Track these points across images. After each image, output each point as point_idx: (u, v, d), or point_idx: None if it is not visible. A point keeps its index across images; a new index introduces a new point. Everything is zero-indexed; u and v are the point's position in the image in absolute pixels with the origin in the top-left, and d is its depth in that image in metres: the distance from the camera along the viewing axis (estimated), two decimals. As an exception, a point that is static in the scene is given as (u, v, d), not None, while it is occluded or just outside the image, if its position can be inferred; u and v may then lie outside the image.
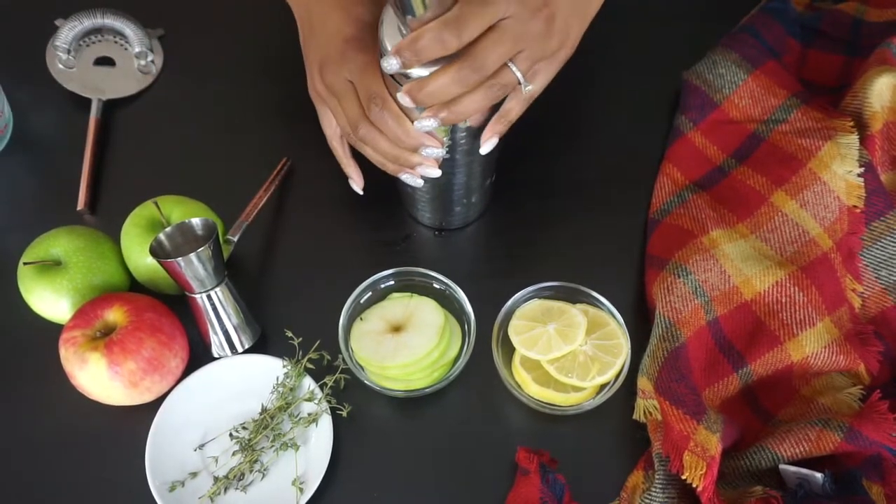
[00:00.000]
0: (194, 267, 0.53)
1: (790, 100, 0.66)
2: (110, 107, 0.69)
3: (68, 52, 0.68)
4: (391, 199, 0.65)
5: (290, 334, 0.57)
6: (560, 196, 0.66)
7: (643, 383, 0.54)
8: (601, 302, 0.57)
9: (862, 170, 0.60)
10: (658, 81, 0.71)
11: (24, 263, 0.55)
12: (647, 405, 0.54)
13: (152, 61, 0.70)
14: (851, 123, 0.62)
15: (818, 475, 0.49)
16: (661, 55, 0.72)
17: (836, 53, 0.71)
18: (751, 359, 0.56)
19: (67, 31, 0.69)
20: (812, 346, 0.55)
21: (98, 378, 0.52)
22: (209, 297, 0.55)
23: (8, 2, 0.74)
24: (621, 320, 0.57)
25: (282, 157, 0.66)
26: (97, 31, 0.70)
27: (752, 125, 0.66)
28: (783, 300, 0.57)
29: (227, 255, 0.58)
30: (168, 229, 0.54)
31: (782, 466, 0.51)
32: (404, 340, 0.55)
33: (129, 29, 0.70)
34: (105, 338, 0.52)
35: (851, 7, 0.72)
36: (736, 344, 0.56)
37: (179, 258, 0.52)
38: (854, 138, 0.61)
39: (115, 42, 0.70)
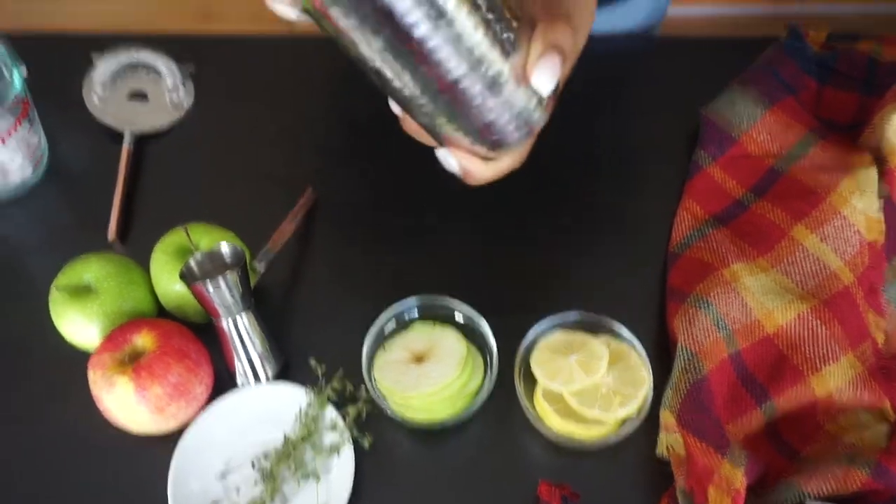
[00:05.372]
0: (222, 292, 0.54)
1: (808, 136, 0.66)
2: (142, 139, 0.71)
3: (104, 86, 0.71)
4: (413, 230, 0.66)
5: (313, 363, 0.58)
6: (581, 229, 0.67)
7: (666, 416, 0.54)
8: (623, 334, 0.58)
9: (881, 204, 0.61)
10: (677, 117, 0.72)
11: (57, 288, 0.57)
12: (670, 440, 0.54)
13: (184, 96, 0.72)
14: (870, 159, 0.62)
15: (845, 511, 0.49)
16: (679, 92, 0.74)
17: (851, 92, 0.72)
18: (774, 393, 0.55)
19: (104, 67, 0.71)
20: (836, 380, 0.55)
21: (125, 402, 0.53)
22: (235, 324, 0.56)
23: (48, 37, 0.76)
24: (643, 352, 0.57)
25: (307, 188, 0.67)
26: (132, 66, 0.72)
27: (771, 160, 0.67)
28: (805, 334, 0.57)
29: (253, 282, 0.59)
30: (197, 255, 0.56)
31: (809, 503, 0.50)
32: (427, 370, 0.56)
33: (162, 65, 0.72)
34: (133, 362, 0.53)
35: (867, 47, 0.73)
36: (758, 377, 0.56)
37: (208, 281, 0.53)
38: (873, 173, 0.62)
39: (149, 77, 0.73)
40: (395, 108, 0.43)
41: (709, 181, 0.68)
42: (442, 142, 0.43)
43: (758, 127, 0.68)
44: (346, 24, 0.34)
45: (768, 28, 0.76)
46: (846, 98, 0.72)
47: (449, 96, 0.38)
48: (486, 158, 0.44)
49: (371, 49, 0.35)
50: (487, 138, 0.41)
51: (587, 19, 0.45)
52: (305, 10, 0.35)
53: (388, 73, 0.37)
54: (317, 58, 0.73)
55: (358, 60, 0.37)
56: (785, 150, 0.67)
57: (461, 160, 0.44)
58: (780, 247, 0.62)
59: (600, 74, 0.75)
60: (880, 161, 0.63)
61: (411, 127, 0.44)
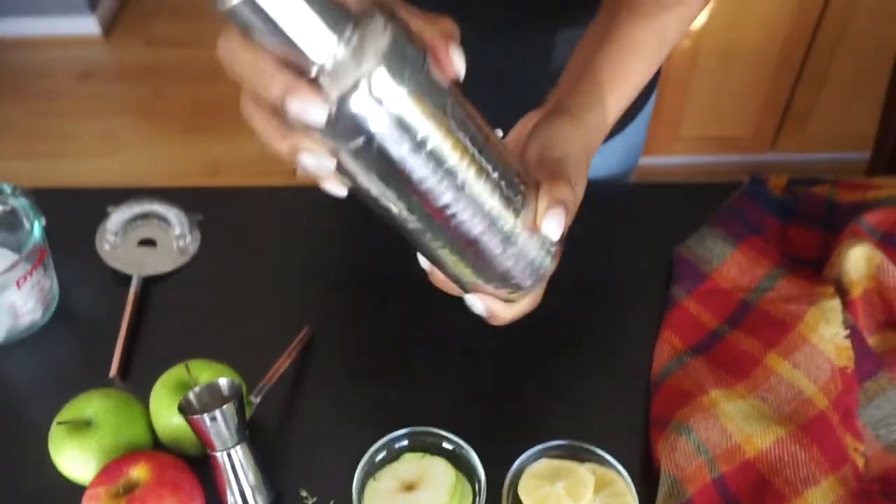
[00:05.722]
0: (218, 424, 0.56)
1: (774, 270, 0.71)
2: (148, 279, 0.75)
3: (116, 234, 0.76)
4: (403, 365, 0.69)
5: (304, 494, 0.59)
6: (564, 361, 0.70)
7: (654, 545, 0.55)
8: (608, 460, 0.59)
9: (848, 332, 0.64)
10: (653, 255, 0.77)
11: (58, 423, 0.59)
12: (660, 569, 0.54)
13: (190, 242, 0.77)
14: (833, 291, 0.66)
15: None
16: (653, 232, 0.79)
17: (814, 230, 0.77)
18: (760, 518, 0.56)
19: (118, 217, 0.77)
20: (819, 504, 0.56)
21: (117, 536, 0.53)
22: (229, 456, 0.57)
23: (67, 191, 0.83)
24: (629, 479, 0.58)
25: (303, 327, 0.71)
26: (144, 215, 0.78)
27: (742, 293, 0.71)
28: (786, 458, 0.58)
29: (249, 415, 0.61)
30: (197, 388, 0.58)
31: None
32: (416, 499, 0.57)
33: (172, 214, 0.78)
34: (127, 494, 0.54)
35: (824, 190, 0.80)
36: (743, 501, 0.57)
37: (205, 414, 0.55)
38: (837, 303, 0.65)
39: (159, 225, 0.78)
40: (424, 264, 0.49)
41: (685, 314, 0.71)
42: (467, 289, 0.49)
43: (728, 263, 0.73)
44: (382, 202, 0.40)
45: (732, 175, 0.83)
46: (809, 236, 0.77)
47: (471, 251, 0.44)
48: (506, 301, 0.50)
49: (403, 221, 0.42)
50: (507, 284, 0.48)
51: (582, 179, 0.51)
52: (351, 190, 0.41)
53: (418, 237, 0.43)
54: (315, 207, 0.79)
55: (392, 225, 0.43)
56: (754, 283, 0.72)
57: (486, 304, 0.49)
58: (756, 374, 0.65)
59: (577, 217, 0.81)
60: (842, 292, 0.67)
61: (438, 280, 0.50)
